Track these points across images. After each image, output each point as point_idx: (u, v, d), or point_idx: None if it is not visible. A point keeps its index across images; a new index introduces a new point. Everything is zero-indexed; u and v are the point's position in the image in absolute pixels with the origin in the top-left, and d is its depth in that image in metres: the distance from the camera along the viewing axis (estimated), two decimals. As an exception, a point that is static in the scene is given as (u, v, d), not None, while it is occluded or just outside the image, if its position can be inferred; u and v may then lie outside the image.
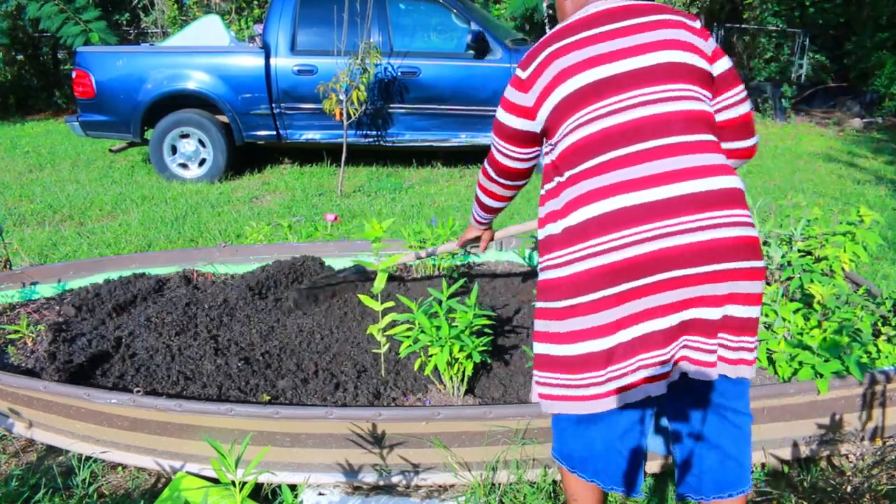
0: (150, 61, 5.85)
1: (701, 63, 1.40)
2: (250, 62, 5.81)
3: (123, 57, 5.85)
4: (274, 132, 6.01)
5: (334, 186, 5.78)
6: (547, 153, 1.49)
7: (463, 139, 6.07)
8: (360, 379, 2.24)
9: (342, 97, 5.39)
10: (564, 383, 1.41)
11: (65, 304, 2.73)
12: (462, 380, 2.19)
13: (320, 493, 1.99)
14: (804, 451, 2.05)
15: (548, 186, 1.47)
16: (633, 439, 1.46)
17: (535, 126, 1.48)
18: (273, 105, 5.90)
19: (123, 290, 2.84)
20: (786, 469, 2.12)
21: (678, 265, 1.29)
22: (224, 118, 6.03)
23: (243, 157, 6.58)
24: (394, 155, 6.92)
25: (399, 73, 5.85)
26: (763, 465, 2.12)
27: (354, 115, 5.50)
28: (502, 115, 1.54)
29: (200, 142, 5.96)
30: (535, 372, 1.48)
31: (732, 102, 1.47)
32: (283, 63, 5.83)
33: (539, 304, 1.46)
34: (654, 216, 1.29)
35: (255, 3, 10.06)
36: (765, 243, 2.72)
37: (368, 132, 6.04)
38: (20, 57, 10.84)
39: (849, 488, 1.92)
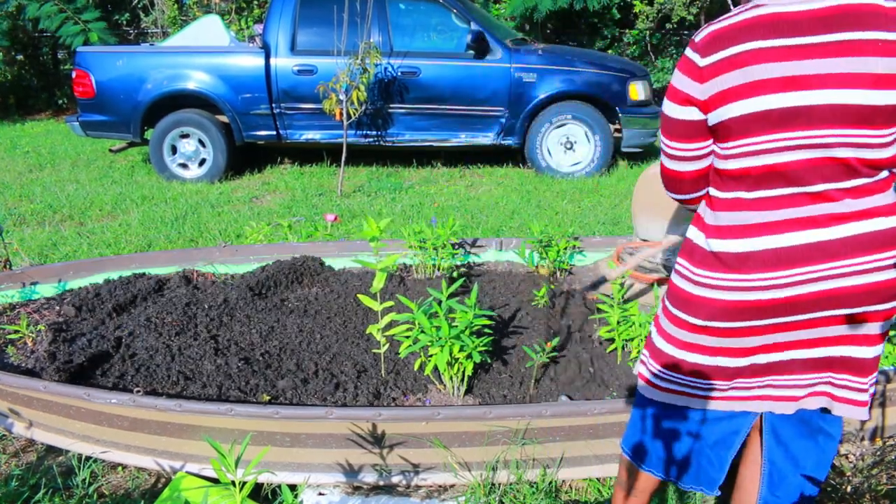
0: (150, 61, 5.85)
1: (893, 99, 1.19)
2: (250, 62, 5.81)
3: (123, 57, 5.85)
4: (274, 132, 6.01)
5: (334, 186, 5.78)
6: (716, 155, 1.36)
7: (463, 139, 6.06)
8: (360, 379, 2.24)
9: (342, 97, 5.39)
10: (689, 383, 1.44)
11: (65, 304, 2.73)
12: (462, 380, 2.19)
13: (320, 493, 1.99)
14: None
15: (710, 189, 1.38)
16: (725, 448, 1.49)
17: (703, 118, 1.31)
18: (273, 105, 5.90)
19: (123, 290, 2.84)
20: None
21: (836, 306, 1.29)
22: (224, 118, 6.03)
23: (243, 157, 6.58)
24: (394, 155, 6.92)
25: (399, 73, 5.85)
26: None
27: (354, 115, 5.50)
28: (667, 106, 1.36)
29: (200, 142, 5.96)
30: (656, 368, 1.47)
31: None
32: (283, 63, 5.83)
33: (674, 310, 1.42)
34: (819, 258, 1.27)
35: (255, 3, 10.06)
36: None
37: (368, 132, 6.04)
38: (20, 57, 10.84)
39: (849, 488, 1.92)
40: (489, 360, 2.33)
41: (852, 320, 1.32)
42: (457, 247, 3.30)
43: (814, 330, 1.33)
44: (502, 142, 6.06)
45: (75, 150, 7.37)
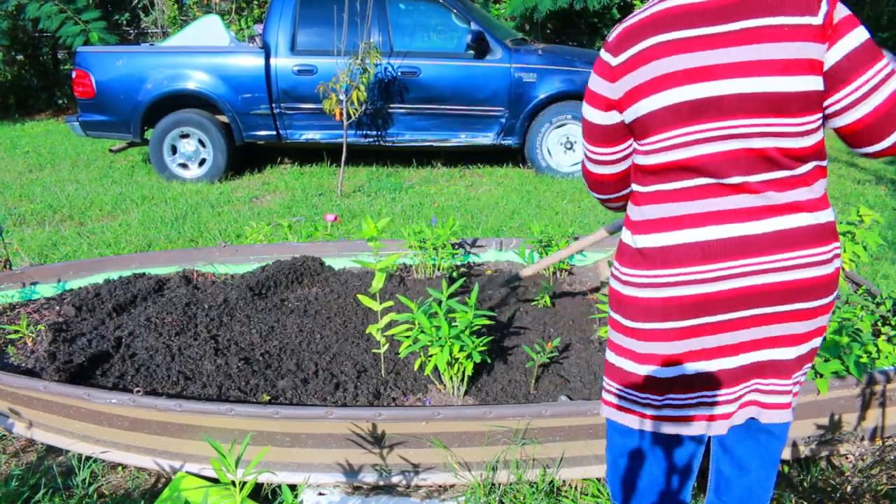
0: (150, 61, 5.85)
1: (805, 85, 1.16)
2: (250, 62, 5.81)
3: (123, 57, 5.85)
4: (274, 132, 6.01)
5: (334, 186, 5.78)
6: (635, 150, 1.34)
7: (463, 139, 6.07)
8: (360, 379, 2.24)
9: (342, 97, 5.39)
10: (625, 395, 1.39)
11: (65, 304, 2.73)
12: (462, 380, 2.19)
13: (320, 493, 2.00)
14: (804, 451, 2.05)
15: (633, 185, 1.37)
16: (686, 474, 1.43)
17: (621, 118, 1.30)
18: (273, 105, 5.90)
19: (123, 290, 2.84)
20: (786, 469, 2.12)
21: (757, 304, 1.25)
22: (224, 118, 6.03)
23: (243, 157, 6.58)
24: (394, 155, 6.92)
25: (399, 73, 5.85)
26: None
27: (354, 115, 5.50)
28: (585, 110, 1.34)
29: (200, 142, 5.96)
30: (604, 377, 1.46)
31: (842, 107, 1.19)
32: (283, 63, 5.83)
33: (611, 314, 1.41)
34: (738, 253, 1.23)
35: (255, 3, 10.06)
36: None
37: (368, 132, 6.04)
38: (20, 57, 10.84)
39: (849, 488, 1.92)
40: (489, 360, 2.33)
41: (774, 320, 1.27)
42: (457, 247, 3.30)
43: (737, 333, 1.28)
44: (502, 142, 6.06)
45: (75, 150, 7.37)
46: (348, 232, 4.54)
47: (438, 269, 3.15)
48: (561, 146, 6.06)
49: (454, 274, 3.16)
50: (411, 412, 1.86)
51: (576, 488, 2.06)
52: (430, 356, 2.15)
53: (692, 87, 1.18)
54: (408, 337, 2.18)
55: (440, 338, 2.07)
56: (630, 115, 1.26)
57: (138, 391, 2.03)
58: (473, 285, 2.66)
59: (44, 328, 2.50)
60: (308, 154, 6.88)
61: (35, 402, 2.06)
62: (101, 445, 2.08)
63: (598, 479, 2.08)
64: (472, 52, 5.85)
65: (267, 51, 5.82)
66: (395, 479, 1.99)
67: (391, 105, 5.94)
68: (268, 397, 2.13)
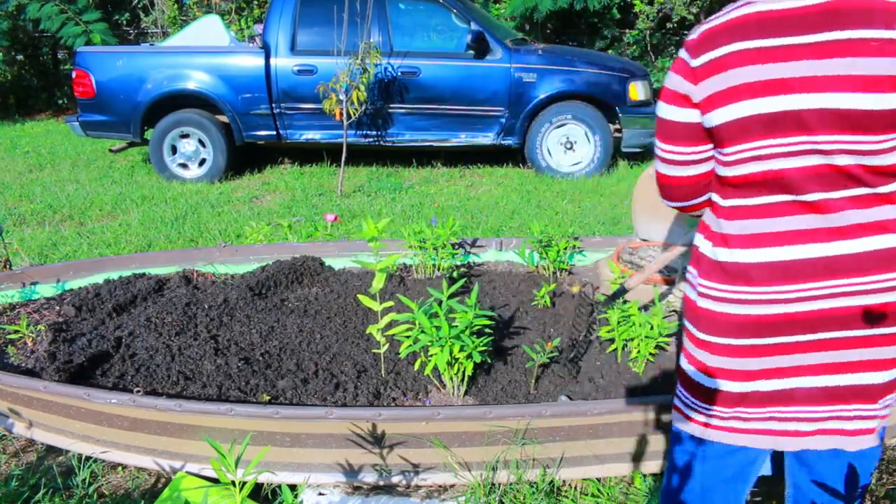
0: (150, 61, 5.85)
1: (891, 103, 1.09)
2: (250, 62, 5.82)
3: (123, 57, 5.86)
4: (274, 132, 6.01)
5: (334, 186, 5.78)
6: (716, 160, 1.29)
7: (463, 139, 6.07)
8: (360, 379, 2.24)
9: (342, 97, 5.39)
10: (691, 404, 1.38)
11: (65, 304, 2.73)
12: (462, 380, 2.19)
13: (320, 493, 2.00)
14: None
15: (712, 195, 1.32)
16: (741, 481, 1.41)
17: (701, 120, 1.25)
18: (273, 105, 5.90)
19: (123, 290, 2.84)
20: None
21: (838, 327, 1.22)
22: (224, 118, 6.04)
23: (243, 157, 6.58)
24: (394, 155, 6.92)
25: (399, 73, 5.85)
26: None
27: (354, 115, 5.50)
28: (663, 109, 1.29)
29: (200, 142, 5.96)
30: (678, 388, 1.45)
31: None
32: (283, 63, 5.83)
33: (685, 323, 1.38)
34: (820, 274, 1.20)
35: (255, 3, 10.06)
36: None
37: (368, 132, 6.04)
38: (20, 57, 10.84)
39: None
40: (489, 360, 2.33)
41: (856, 344, 1.23)
42: (457, 247, 3.30)
43: (819, 354, 1.25)
44: (502, 142, 6.06)
45: (75, 150, 7.37)
46: (348, 232, 4.54)
47: (438, 269, 3.16)
48: (561, 146, 6.05)
49: (454, 274, 3.16)
50: (411, 412, 1.86)
51: (576, 488, 2.06)
52: (430, 356, 2.15)
53: (766, 99, 1.14)
54: (408, 337, 2.18)
55: (440, 338, 2.07)
56: (708, 121, 1.22)
57: (138, 391, 2.03)
58: (473, 285, 2.65)
59: (44, 328, 2.50)
60: (308, 154, 6.88)
61: (35, 402, 2.06)
62: (101, 445, 2.08)
63: (598, 480, 2.09)
64: (472, 52, 5.85)
65: (267, 51, 5.82)
66: (395, 479, 1.99)
67: (391, 105, 5.94)
68: (268, 397, 2.13)
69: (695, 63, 1.21)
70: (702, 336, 1.32)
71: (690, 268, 1.36)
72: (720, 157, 1.25)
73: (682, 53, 1.25)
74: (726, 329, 1.27)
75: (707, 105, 1.21)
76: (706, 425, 1.36)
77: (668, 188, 1.37)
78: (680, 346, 1.43)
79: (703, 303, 1.31)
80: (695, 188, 1.34)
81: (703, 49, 1.20)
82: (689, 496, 1.45)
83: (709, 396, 1.33)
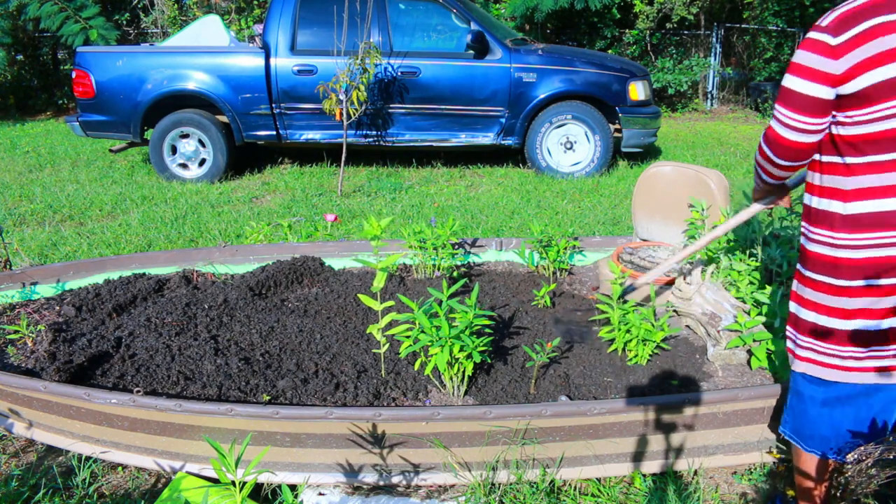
0: (150, 61, 5.85)
1: None
2: (250, 62, 5.81)
3: (123, 57, 5.85)
4: (274, 132, 6.01)
5: (334, 186, 5.78)
6: (841, 123, 1.48)
7: (463, 139, 6.06)
8: (360, 379, 2.24)
9: (342, 97, 5.39)
10: (816, 348, 1.60)
11: (65, 304, 2.73)
12: (462, 380, 2.19)
13: (320, 493, 1.99)
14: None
15: (832, 159, 1.52)
16: (887, 418, 1.58)
17: (833, 94, 1.45)
18: (273, 105, 5.90)
19: (123, 291, 2.84)
20: (785, 468, 2.12)
21: None
22: (224, 118, 6.03)
23: (243, 157, 6.58)
24: (394, 155, 6.92)
25: (399, 73, 5.85)
26: (763, 465, 2.12)
27: (354, 115, 5.50)
28: (796, 83, 1.48)
29: (200, 142, 5.96)
30: (788, 330, 1.69)
31: None
32: (283, 63, 5.83)
33: (809, 273, 1.60)
34: None
35: (255, 3, 10.05)
36: (766, 243, 2.72)
37: (368, 132, 6.04)
38: (20, 57, 10.84)
39: (849, 488, 1.92)
40: (489, 360, 2.33)
41: None
42: (457, 247, 3.30)
43: None
44: (502, 142, 6.06)
45: (75, 150, 7.37)
46: (348, 232, 4.54)
47: (438, 269, 3.15)
48: (561, 146, 6.05)
49: (454, 274, 3.16)
50: (411, 412, 1.86)
51: (576, 488, 2.06)
52: (431, 356, 2.15)
53: None
54: (408, 337, 2.18)
55: (440, 338, 2.07)
56: (854, 85, 1.41)
57: (138, 391, 2.03)
58: (473, 285, 2.65)
59: (44, 328, 2.50)
60: (308, 154, 6.88)
61: (35, 402, 2.06)
62: (101, 445, 2.08)
63: (598, 480, 2.08)
64: (471, 52, 5.85)
65: (267, 51, 5.82)
66: (395, 480, 1.99)
67: (391, 105, 5.93)
68: (268, 397, 2.13)
69: (835, 41, 1.41)
70: (840, 283, 1.52)
71: (815, 228, 1.58)
72: (855, 118, 1.44)
73: (818, 35, 1.44)
74: (861, 272, 1.49)
75: (853, 72, 1.40)
76: (845, 369, 1.56)
77: (787, 149, 1.56)
78: (803, 305, 1.63)
79: (831, 251, 1.53)
80: (807, 152, 1.55)
81: (844, 28, 1.41)
82: (834, 435, 1.62)
83: (847, 340, 1.54)
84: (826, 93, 1.45)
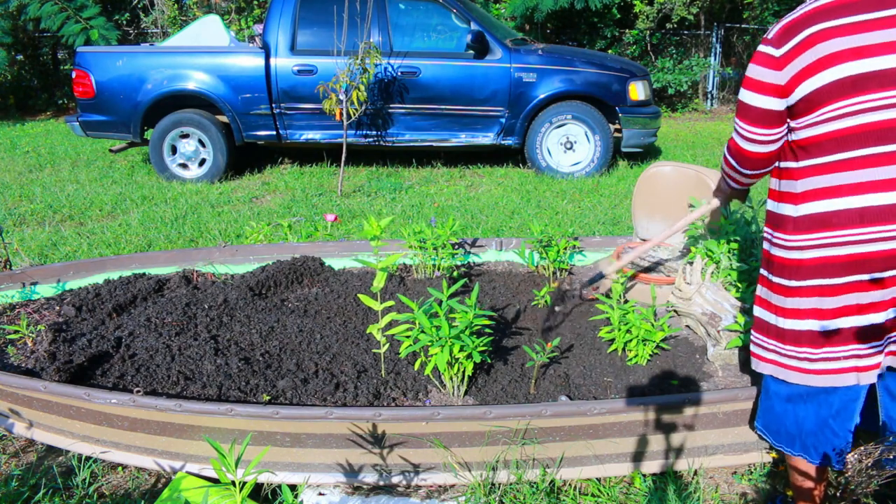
0: (150, 61, 5.85)
1: None
2: (250, 62, 5.81)
3: (123, 57, 5.85)
4: (274, 132, 6.01)
5: (334, 186, 5.78)
6: (793, 130, 1.52)
7: (463, 139, 6.06)
8: (360, 379, 2.24)
9: (342, 97, 5.39)
10: (778, 350, 1.62)
11: (65, 304, 2.73)
12: (462, 380, 2.19)
13: (320, 494, 1.99)
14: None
15: (787, 164, 1.56)
16: (847, 418, 1.61)
17: (784, 104, 1.49)
18: (273, 105, 5.90)
19: (123, 291, 2.84)
20: (785, 468, 2.12)
21: None
22: (224, 118, 6.03)
23: (243, 157, 6.58)
24: (394, 155, 6.92)
25: (399, 73, 5.85)
26: (764, 465, 2.12)
27: (354, 115, 5.50)
28: (748, 96, 1.53)
29: (200, 142, 5.96)
30: (752, 333, 1.71)
31: None
32: (283, 63, 5.83)
33: (768, 275, 1.63)
34: (890, 218, 1.41)
35: (255, 2, 10.05)
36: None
37: (368, 132, 6.04)
38: (20, 57, 10.84)
39: (849, 488, 1.92)
40: (489, 360, 2.33)
41: None
42: (457, 247, 3.30)
43: (886, 290, 1.47)
44: (502, 142, 6.06)
45: (75, 150, 7.36)
46: (348, 232, 4.54)
47: (438, 269, 3.15)
48: (561, 146, 6.05)
49: (454, 274, 3.16)
50: (411, 412, 1.86)
51: (576, 488, 2.06)
52: (431, 356, 2.15)
53: (856, 62, 1.37)
54: (408, 337, 2.18)
55: (440, 338, 2.07)
56: (798, 94, 1.44)
57: (138, 391, 2.03)
58: (474, 285, 2.65)
59: (44, 328, 2.50)
60: (308, 154, 6.88)
61: (35, 402, 2.06)
62: (101, 445, 2.08)
63: (598, 480, 2.08)
64: (471, 52, 5.85)
65: (267, 51, 5.82)
66: (395, 480, 1.99)
67: (391, 105, 5.93)
68: (268, 397, 2.13)
69: (779, 52, 1.45)
70: (791, 283, 1.55)
71: (769, 230, 1.62)
72: (804, 123, 1.47)
73: (764, 48, 1.48)
74: (813, 272, 1.50)
75: (795, 81, 1.44)
76: (801, 370, 1.59)
77: (748, 160, 1.64)
78: (761, 306, 1.67)
79: (783, 253, 1.56)
80: (768, 161, 1.62)
81: (786, 39, 1.44)
82: (798, 432, 1.66)
83: (801, 341, 1.57)
84: (776, 104, 1.49)
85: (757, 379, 2.25)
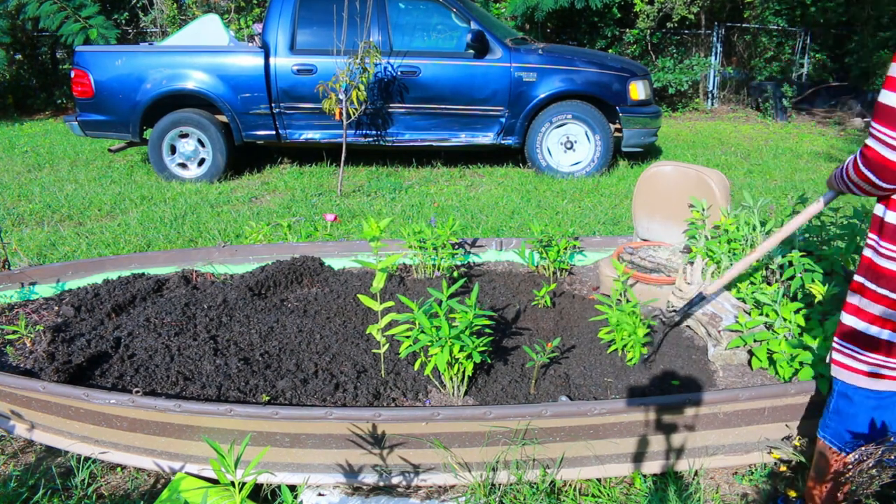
0: (149, 61, 5.84)
1: None
2: (249, 62, 5.81)
3: (122, 56, 5.85)
4: (273, 132, 6.01)
5: (334, 186, 5.78)
6: None
7: (463, 139, 6.06)
8: (360, 379, 2.23)
9: (342, 97, 5.38)
10: (880, 363, 1.57)
11: (64, 304, 2.73)
12: (462, 380, 2.18)
13: (320, 494, 1.99)
14: (805, 450, 2.05)
15: None
16: None
17: None
18: (272, 105, 5.89)
19: (122, 291, 2.84)
20: (786, 468, 2.12)
21: None
22: (223, 118, 6.03)
23: (243, 157, 6.57)
24: (394, 155, 6.91)
25: (399, 73, 5.84)
26: (764, 465, 2.12)
27: (354, 114, 5.49)
28: (892, 98, 1.34)
29: (200, 141, 5.95)
30: (842, 344, 1.63)
31: None
32: (283, 63, 5.82)
33: (870, 286, 1.55)
34: None
35: (255, 2, 10.04)
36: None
37: (368, 132, 6.03)
38: (19, 56, 10.82)
39: (850, 489, 1.91)
40: (489, 361, 2.32)
41: None
42: (457, 247, 3.30)
43: None
44: (502, 142, 6.05)
45: (74, 149, 7.36)
46: (348, 232, 4.53)
47: (438, 269, 3.15)
48: (561, 146, 6.05)
49: (454, 274, 3.15)
50: (411, 412, 1.86)
51: (576, 489, 2.06)
52: (430, 356, 2.14)
53: None
54: (408, 337, 2.17)
55: (440, 338, 2.07)
56: None
57: (137, 392, 2.03)
58: (474, 285, 2.65)
59: (42, 328, 2.49)
60: (308, 154, 6.87)
61: (34, 402, 2.05)
62: (100, 446, 2.07)
63: (599, 480, 2.08)
64: (472, 51, 5.85)
65: (266, 50, 5.81)
66: (395, 480, 1.98)
67: (391, 105, 5.93)
68: (267, 398, 2.12)
69: None
70: (891, 294, 1.49)
71: (873, 235, 1.54)
72: None
73: None
74: None
75: None
76: (879, 376, 1.56)
77: (890, 171, 1.41)
78: (852, 313, 1.60)
79: (886, 263, 1.49)
80: None
81: None
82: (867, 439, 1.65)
83: (882, 348, 1.53)
84: None
85: (757, 379, 2.25)
